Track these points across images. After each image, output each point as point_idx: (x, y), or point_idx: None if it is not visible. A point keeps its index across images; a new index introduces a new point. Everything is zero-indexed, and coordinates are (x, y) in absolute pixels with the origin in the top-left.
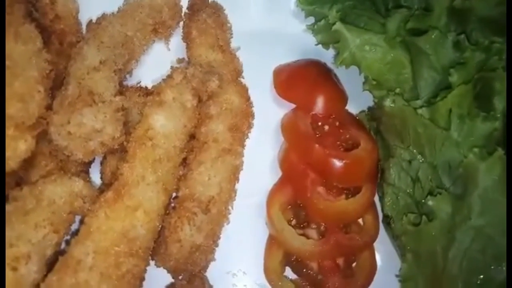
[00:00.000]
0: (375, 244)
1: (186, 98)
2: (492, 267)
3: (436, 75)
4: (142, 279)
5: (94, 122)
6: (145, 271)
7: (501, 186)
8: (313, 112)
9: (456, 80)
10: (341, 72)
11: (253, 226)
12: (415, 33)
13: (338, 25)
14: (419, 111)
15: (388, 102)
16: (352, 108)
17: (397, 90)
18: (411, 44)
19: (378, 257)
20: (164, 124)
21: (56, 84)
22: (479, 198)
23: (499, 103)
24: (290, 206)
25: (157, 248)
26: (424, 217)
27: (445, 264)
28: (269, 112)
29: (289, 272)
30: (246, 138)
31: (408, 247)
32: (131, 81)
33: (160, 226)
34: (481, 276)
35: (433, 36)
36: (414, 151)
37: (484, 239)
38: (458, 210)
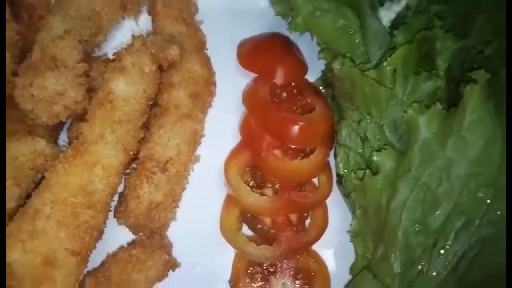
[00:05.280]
0: (331, 205)
1: (144, 63)
2: (428, 215)
3: (383, 39)
4: (101, 231)
5: (56, 85)
6: (104, 224)
7: (439, 138)
8: (274, 81)
9: (400, 40)
10: (304, 44)
11: (215, 189)
12: None
13: None
14: (367, 72)
15: (336, 65)
16: (312, 77)
17: (348, 55)
18: (359, 9)
19: (334, 216)
20: (124, 88)
21: (25, 54)
22: (419, 151)
23: (442, 63)
24: (248, 169)
25: (118, 206)
26: (368, 171)
27: (387, 216)
28: (233, 83)
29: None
30: (208, 106)
31: (357, 204)
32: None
33: (119, 183)
34: (418, 225)
35: None
36: (363, 111)
37: (422, 188)
38: (401, 163)
